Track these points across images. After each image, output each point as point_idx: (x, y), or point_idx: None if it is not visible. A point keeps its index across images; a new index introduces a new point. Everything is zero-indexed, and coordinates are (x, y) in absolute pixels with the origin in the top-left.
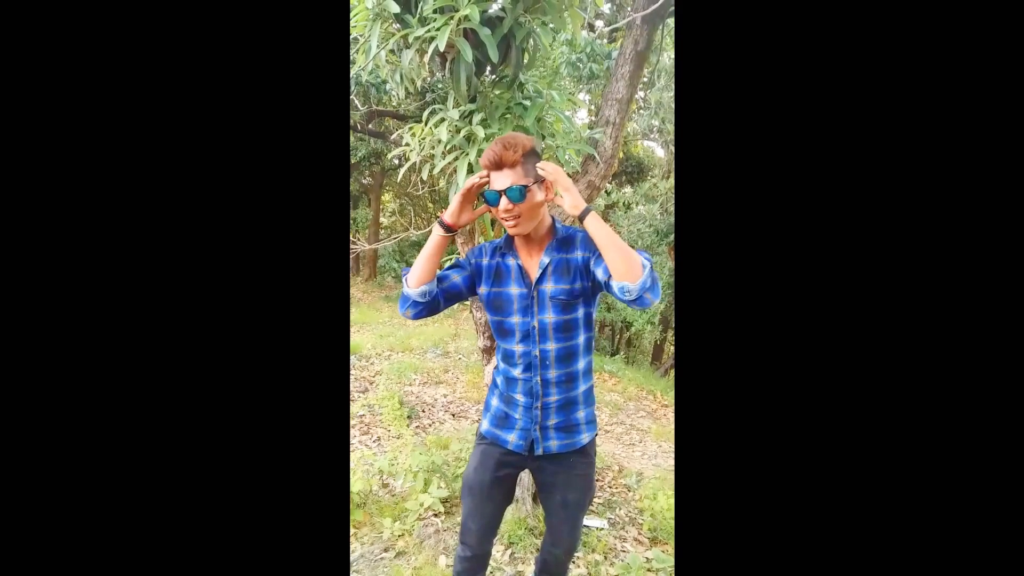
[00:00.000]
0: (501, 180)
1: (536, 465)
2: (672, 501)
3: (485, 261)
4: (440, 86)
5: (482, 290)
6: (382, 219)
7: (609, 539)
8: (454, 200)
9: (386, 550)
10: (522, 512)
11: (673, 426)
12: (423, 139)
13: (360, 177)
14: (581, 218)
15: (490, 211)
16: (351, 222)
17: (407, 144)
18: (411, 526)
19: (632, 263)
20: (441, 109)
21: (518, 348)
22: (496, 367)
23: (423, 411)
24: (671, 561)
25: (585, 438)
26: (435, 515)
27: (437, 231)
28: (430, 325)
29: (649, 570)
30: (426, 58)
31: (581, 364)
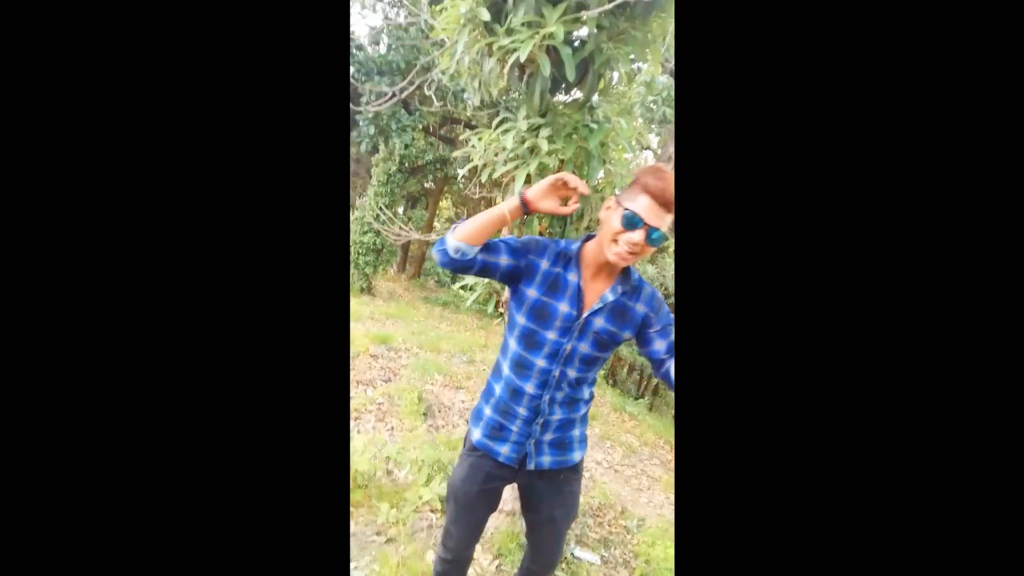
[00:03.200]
0: (654, 216)
1: (526, 480)
2: (670, 552)
3: (545, 266)
4: (513, 102)
5: (531, 293)
6: (436, 224)
7: (599, 575)
8: (544, 181)
9: (378, 533)
10: (517, 527)
11: None
12: (489, 144)
13: (423, 180)
14: None
15: (605, 233)
16: (408, 220)
17: (473, 146)
18: (406, 516)
19: None
20: (511, 119)
21: (540, 363)
22: (497, 374)
23: (439, 411)
24: None
25: (577, 456)
26: (431, 510)
27: (510, 203)
28: (462, 332)
29: None
30: (506, 68)
31: (587, 391)
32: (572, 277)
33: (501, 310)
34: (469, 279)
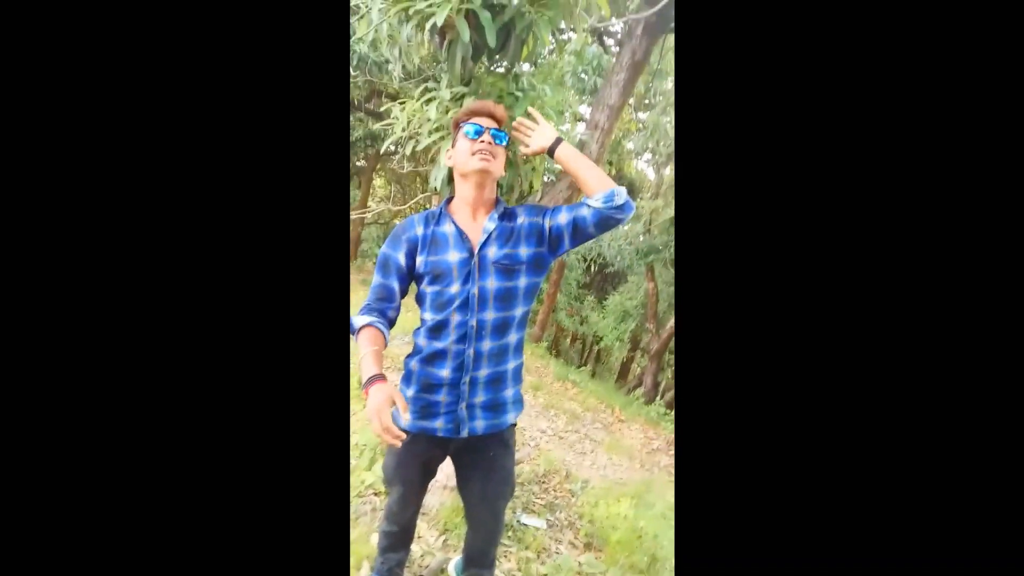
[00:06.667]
0: (487, 123)
1: (457, 452)
2: (612, 510)
3: (420, 231)
4: (440, 71)
5: (419, 260)
6: (370, 203)
7: (545, 539)
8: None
9: None
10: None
11: (627, 441)
12: (412, 114)
13: (354, 158)
14: (552, 149)
15: (462, 158)
16: None
17: (395, 117)
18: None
19: (605, 178)
20: (434, 88)
21: (455, 318)
22: (413, 353)
23: None
24: (602, 567)
25: (511, 417)
26: (374, 494)
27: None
28: (405, 313)
29: (579, 573)
30: (424, 35)
31: (513, 337)
32: (447, 227)
33: None
34: None
